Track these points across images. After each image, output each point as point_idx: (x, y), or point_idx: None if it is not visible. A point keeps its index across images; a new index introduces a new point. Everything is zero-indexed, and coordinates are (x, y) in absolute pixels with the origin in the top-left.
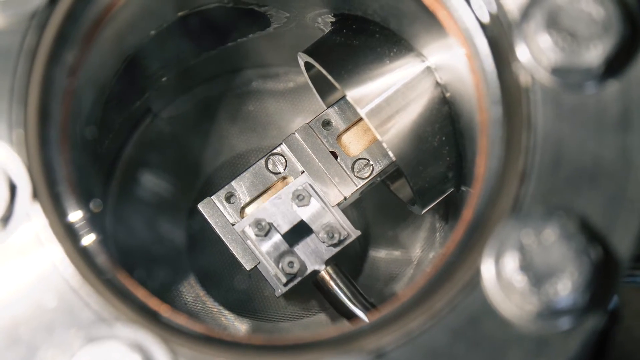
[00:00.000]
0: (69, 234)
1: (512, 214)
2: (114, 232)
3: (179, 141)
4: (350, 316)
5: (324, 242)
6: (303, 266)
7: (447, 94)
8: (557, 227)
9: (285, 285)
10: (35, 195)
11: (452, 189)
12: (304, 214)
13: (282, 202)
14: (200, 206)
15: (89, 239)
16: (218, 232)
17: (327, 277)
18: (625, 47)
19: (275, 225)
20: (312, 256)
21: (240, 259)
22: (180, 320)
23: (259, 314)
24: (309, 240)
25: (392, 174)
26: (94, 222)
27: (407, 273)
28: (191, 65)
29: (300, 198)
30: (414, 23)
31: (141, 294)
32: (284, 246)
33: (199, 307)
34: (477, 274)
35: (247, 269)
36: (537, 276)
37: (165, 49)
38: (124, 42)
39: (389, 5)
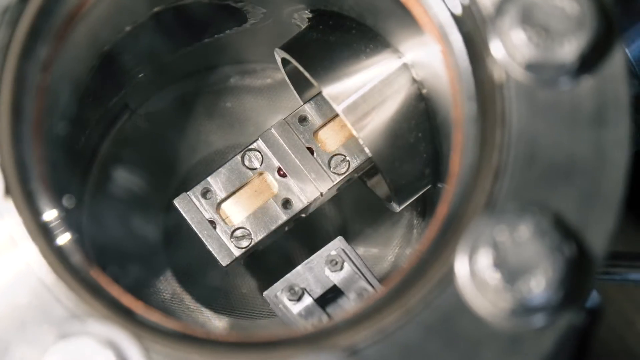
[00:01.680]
0: (43, 233)
1: (486, 211)
2: (90, 229)
3: (156, 138)
4: None
5: (354, 302)
6: None
7: (424, 91)
8: (531, 224)
9: None
10: (8, 192)
11: (429, 186)
12: (337, 278)
13: (316, 267)
14: (176, 202)
15: (63, 238)
16: (194, 227)
17: None
18: (600, 42)
19: (308, 290)
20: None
21: (216, 255)
22: (154, 317)
23: (237, 311)
24: (340, 301)
25: (369, 170)
26: (70, 219)
27: (384, 270)
28: (168, 61)
29: (333, 263)
30: (390, 19)
31: (115, 291)
32: (316, 309)
33: (176, 305)
34: (450, 271)
35: (223, 265)
36: (511, 273)
37: (141, 44)
38: (98, 37)
39: (365, 2)
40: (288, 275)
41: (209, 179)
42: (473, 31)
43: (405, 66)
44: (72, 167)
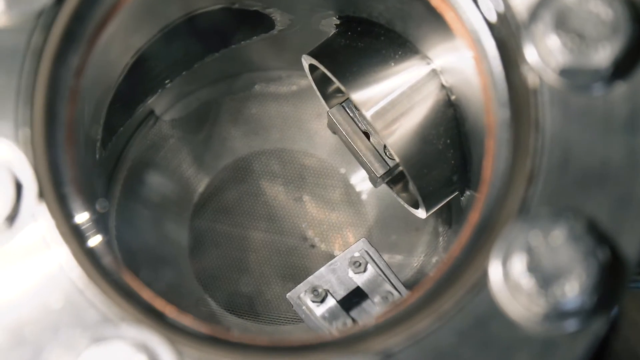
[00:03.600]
0: (75, 236)
1: (520, 216)
2: (116, 233)
3: (182, 144)
4: None
5: (378, 305)
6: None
7: (453, 97)
8: (565, 229)
9: None
10: (41, 195)
11: (456, 193)
12: (360, 280)
13: (339, 269)
14: (330, 112)
15: (95, 240)
16: (349, 138)
17: None
18: (634, 48)
19: (331, 291)
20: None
21: (371, 166)
22: (186, 321)
23: (261, 317)
24: (365, 305)
25: (396, 177)
26: (99, 223)
27: (409, 277)
28: (195, 67)
29: (356, 265)
30: (420, 25)
31: (147, 294)
32: (340, 311)
33: (201, 309)
34: (484, 276)
35: (378, 176)
36: (545, 278)
37: (170, 50)
38: (128, 43)
39: (395, 7)
40: (311, 277)
41: None
42: (507, 37)
43: (434, 72)
44: (99, 171)
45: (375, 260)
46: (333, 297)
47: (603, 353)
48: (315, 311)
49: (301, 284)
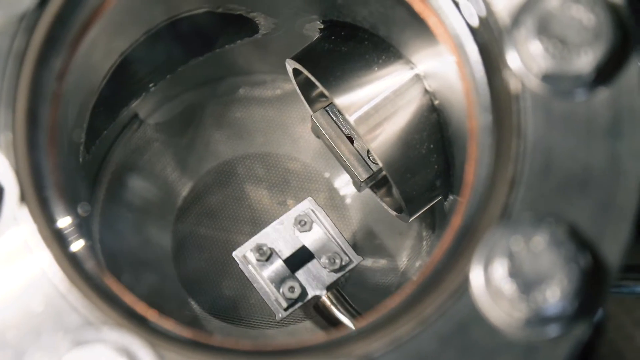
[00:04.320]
0: (57, 240)
1: (502, 221)
2: (99, 236)
3: (165, 148)
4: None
5: (325, 267)
6: (304, 291)
7: (436, 102)
8: (546, 234)
9: (285, 309)
10: (23, 198)
11: (440, 197)
12: (306, 239)
13: (284, 228)
14: (314, 116)
15: (77, 245)
16: (332, 142)
17: (328, 302)
18: (616, 54)
19: (276, 250)
20: (314, 281)
21: (354, 170)
22: (168, 325)
23: (245, 321)
24: (311, 266)
25: (380, 181)
26: (81, 227)
27: (393, 282)
28: (179, 71)
29: (302, 224)
30: (404, 30)
31: (129, 298)
32: (285, 271)
33: (184, 313)
34: (465, 281)
35: (361, 180)
36: (526, 283)
37: (153, 54)
38: (112, 46)
39: (379, 12)
40: (256, 236)
41: None
42: (489, 42)
43: (417, 77)
44: (82, 175)
45: (322, 220)
46: (279, 256)
47: (589, 357)
48: (261, 271)
49: (246, 242)
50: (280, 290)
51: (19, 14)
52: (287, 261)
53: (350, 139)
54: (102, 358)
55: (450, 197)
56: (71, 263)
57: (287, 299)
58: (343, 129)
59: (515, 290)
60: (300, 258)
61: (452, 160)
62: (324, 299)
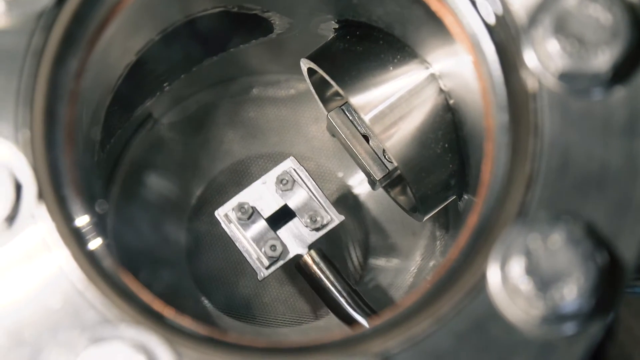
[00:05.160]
0: (75, 237)
1: (518, 219)
2: (115, 234)
3: (180, 147)
4: (333, 304)
5: (307, 226)
6: (285, 250)
7: (451, 101)
8: (563, 232)
9: (267, 268)
10: (41, 195)
11: (454, 197)
12: (288, 198)
13: (266, 187)
14: (329, 115)
15: (95, 243)
16: (348, 141)
17: (309, 261)
18: (633, 53)
19: (258, 209)
20: (295, 240)
21: (369, 169)
22: (184, 322)
23: (258, 319)
24: (292, 225)
25: (394, 180)
26: (98, 225)
27: (406, 281)
28: (193, 71)
29: (284, 183)
30: (419, 29)
31: (145, 296)
32: (267, 230)
33: (198, 311)
34: (482, 279)
35: (377, 178)
36: (543, 281)
37: (169, 53)
38: (128, 45)
39: (394, 12)
40: (238, 195)
41: None
42: (506, 41)
43: (432, 76)
44: (98, 173)
45: (304, 179)
46: (260, 215)
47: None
48: (243, 229)
49: (228, 202)
50: (262, 250)
51: (37, 12)
52: (269, 220)
53: (366, 138)
54: (119, 355)
55: (465, 196)
56: (89, 261)
57: (268, 257)
58: (359, 128)
59: (532, 288)
60: (282, 217)
61: (466, 159)
62: (306, 257)
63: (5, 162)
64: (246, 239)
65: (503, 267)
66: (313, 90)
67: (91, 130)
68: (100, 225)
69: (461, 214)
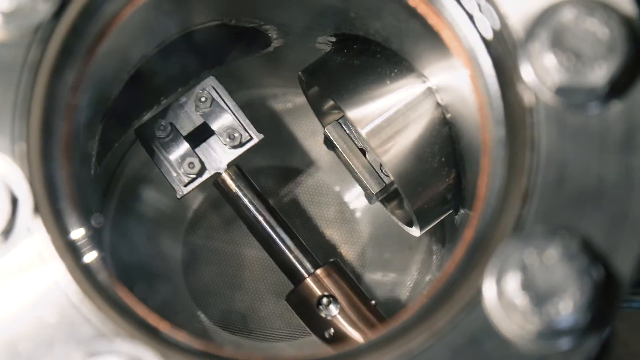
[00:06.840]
0: (71, 251)
1: (514, 234)
2: (111, 248)
3: None
4: (255, 228)
5: (225, 144)
6: (203, 167)
7: (448, 115)
8: (559, 247)
9: (185, 186)
10: (37, 209)
11: (451, 211)
12: (207, 117)
13: (185, 105)
14: (327, 129)
15: (90, 256)
16: (345, 155)
17: (228, 179)
18: (630, 67)
19: (177, 127)
20: (214, 158)
21: (366, 182)
22: (179, 336)
23: (254, 334)
24: (212, 142)
25: (391, 194)
26: (94, 238)
27: (402, 295)
28: (190, 84)
29: (202, 100)
30: (417, 43)
31: (141, 310)
32: (186, 148)
33: (194, 325)
34: (478, 293)
35: (374, 192)
36: (539, 296)
37: (166, 66)
38: (125, 58)
39: (392, 25)
40: (157, 113)
41: None
42: (503, 55)
43: (429, 90)
44: (94, 186)
45: (223, 97)
46: (179, 132)
47: None
48: (162, 147)
49: (148, 120)
50: (181, 169)
51: (34, 25)
52: (187, 137)
53: (363, 152)
54: None
55: (461, 210)
56: (84, 274)
57: (187, 175)
58: (356, 142)
59: (528, 303)
60: (201, 135)
61: (463, 173)
62: (224, 175)
63: (1, 176)
64: (165, 157)
65: (499, 281)
66: (309, 104)
67: (88, 144)
68: (96, 239)
69: (457, 228)
